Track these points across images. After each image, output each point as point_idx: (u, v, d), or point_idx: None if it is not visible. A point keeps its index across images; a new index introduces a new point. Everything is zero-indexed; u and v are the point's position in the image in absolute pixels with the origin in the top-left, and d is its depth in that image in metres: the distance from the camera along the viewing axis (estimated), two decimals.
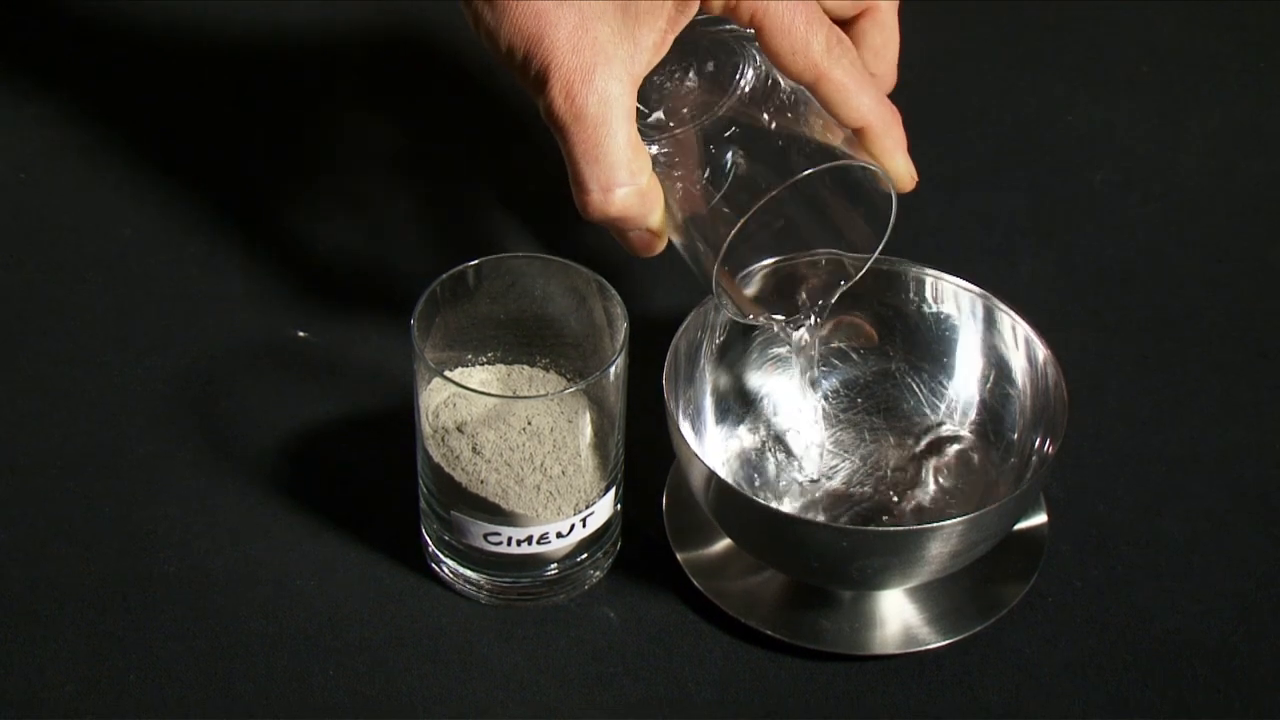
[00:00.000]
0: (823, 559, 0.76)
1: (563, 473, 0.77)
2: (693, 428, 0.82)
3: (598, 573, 0.80)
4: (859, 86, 0.76)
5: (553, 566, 0.79)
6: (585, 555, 0.79)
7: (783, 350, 0.84)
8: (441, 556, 0.80)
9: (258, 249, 0.93)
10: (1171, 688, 0.78)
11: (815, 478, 0.83)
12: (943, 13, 1.07)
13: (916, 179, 0.78)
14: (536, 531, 0.77)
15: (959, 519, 0.75)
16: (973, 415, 0.83)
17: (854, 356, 0.85)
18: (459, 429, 0.77)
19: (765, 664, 0.78)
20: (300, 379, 0.88)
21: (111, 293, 0.92)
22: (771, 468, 0.84)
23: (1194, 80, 1.06)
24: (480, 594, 0.79)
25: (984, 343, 0.83)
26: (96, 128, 0.99)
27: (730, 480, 0.80)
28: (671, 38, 0.75)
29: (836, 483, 0.84)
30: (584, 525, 0.78)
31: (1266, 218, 0.98)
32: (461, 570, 0.79)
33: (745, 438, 0.84)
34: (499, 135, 1.00)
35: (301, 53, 1.04)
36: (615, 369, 0.76)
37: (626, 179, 0.74)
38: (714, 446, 0.83)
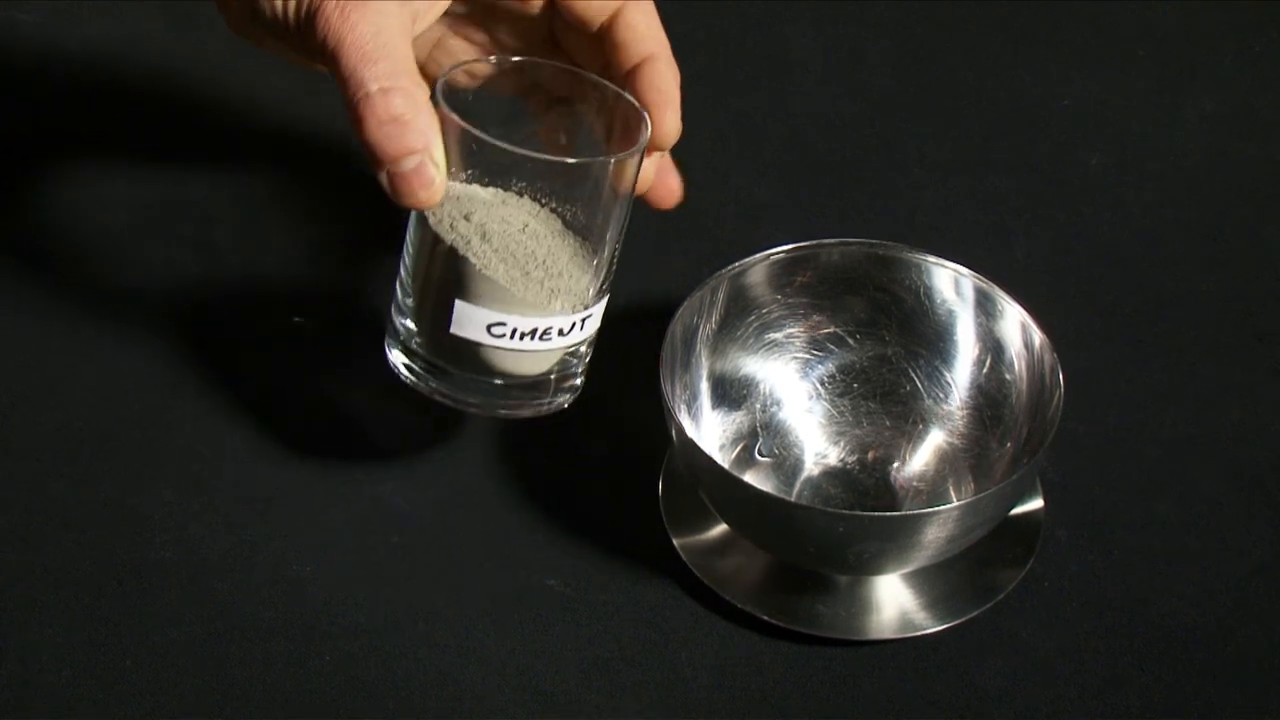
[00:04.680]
0: (819, 544, 0.76)
1: (560, 273, 0.75)
2: (689, 412, 0.82)
3: (566, 397, 0.79)
4: (651, 9, 0.75)
5: (521, 374, 0.77)
6: (558, 371, 0.78)
7: (779, 335, 0.84)
8: (415, 366, 0.77)
9: (253, 234, 0.93)
10: (1168, 671, 0.78)
11: (810, 462, 0.83)
12: None
13: (679, 134, 0.76)
14: (541, 324, 0.75)
15: (955, 504, 0.75)
16: (969, 400, 0.83)
17: (850, 341, 0.85)
18: (466, 218, 0.74)
19: (761, 648, 0.78)
20: (296, 364, 0.88)
21: (106, 277, 0.92)
22: (768, 452, 0.84)
23: (1190, 63, 1.06)
24: (453, 397, 0.77)
25: (980, 327, 0.83)
26: (91, 114, 0.99)
27: (726, 465, 0.80)
28: None
29: (832, 467, 0.84)
30: (581, 328, 0.76)
31: (1262, 200, 0.98)
32: (436, 370, 0.77)
33: (742, 422, 0.84)
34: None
35: None
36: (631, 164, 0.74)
37: (408, 81, 0.71)
38: (710, 431, 0.83)
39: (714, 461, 0.76)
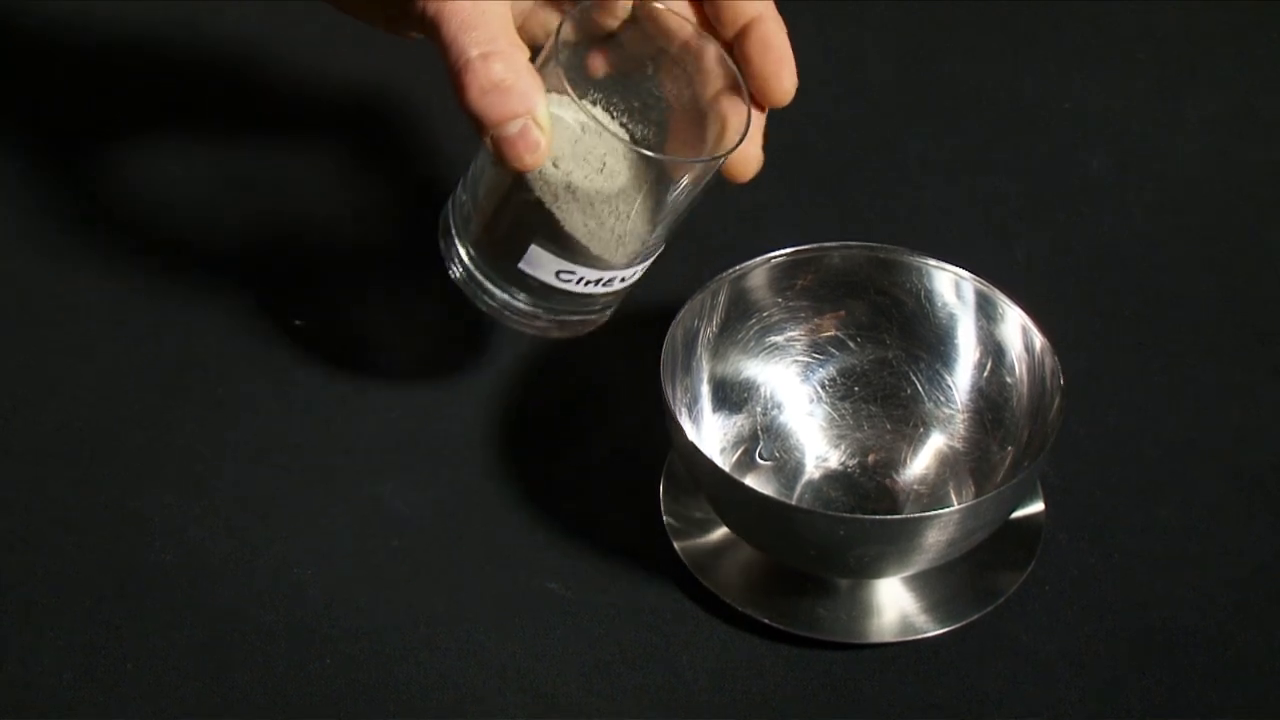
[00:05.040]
0: (820, 547, 0.76)
1: (632, 230, 0.76)
2: (690, 415, 0.82)
3: (606, 317, 0.80)
4: None
5: (578, 306, 0.79)
6: (597, 308, 0.79)
7: (779, 339, 0.84)
8: (466, 275, 0.78)
9: (254, 237, 0.93)
10: (1168, 675, 0.78)
11: (811, 466, 0.83)
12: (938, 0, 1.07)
13: (793, 94, 0.76)
14: (607, 275, 0.77)
15: (956, 507, 0.75)
16: (970, 403, 0.83)
17: (851, 345, 0.85)
18: (555, 164, 0.74)
19: (762, 652, 0.78)
20: (297, 367, 0.88)
21: (107, 280, 0.92)
22: (768, 456, 0.84)
23: (1190, 65, 1.05)
24: (502, 311, 0.78)
25: (981, 330, 0.83)
26: (92, 115, 0.99)
27: (727, 468, 0.80)
28: None
29: (833, 471, 0.84)
30: (640, 272, 0.78)
31: (1264, 203, 0.98)
32: (496, 292, 0.78)
33: (742, 425, 0.84)
34: None
35: (301, 44, 1.03)
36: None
37: (508, 47, 0.71)
38: (711, 434, 0.83)
39: (715, 465, 0.76)
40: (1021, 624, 0.79)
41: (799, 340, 0.84)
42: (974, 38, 1.07)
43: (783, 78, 0.76)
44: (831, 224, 0.95)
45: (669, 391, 0.79)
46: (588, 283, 0.77)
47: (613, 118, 0.78)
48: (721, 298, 0.82)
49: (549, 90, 0.72)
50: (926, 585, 0.80)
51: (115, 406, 0.86)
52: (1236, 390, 0.89)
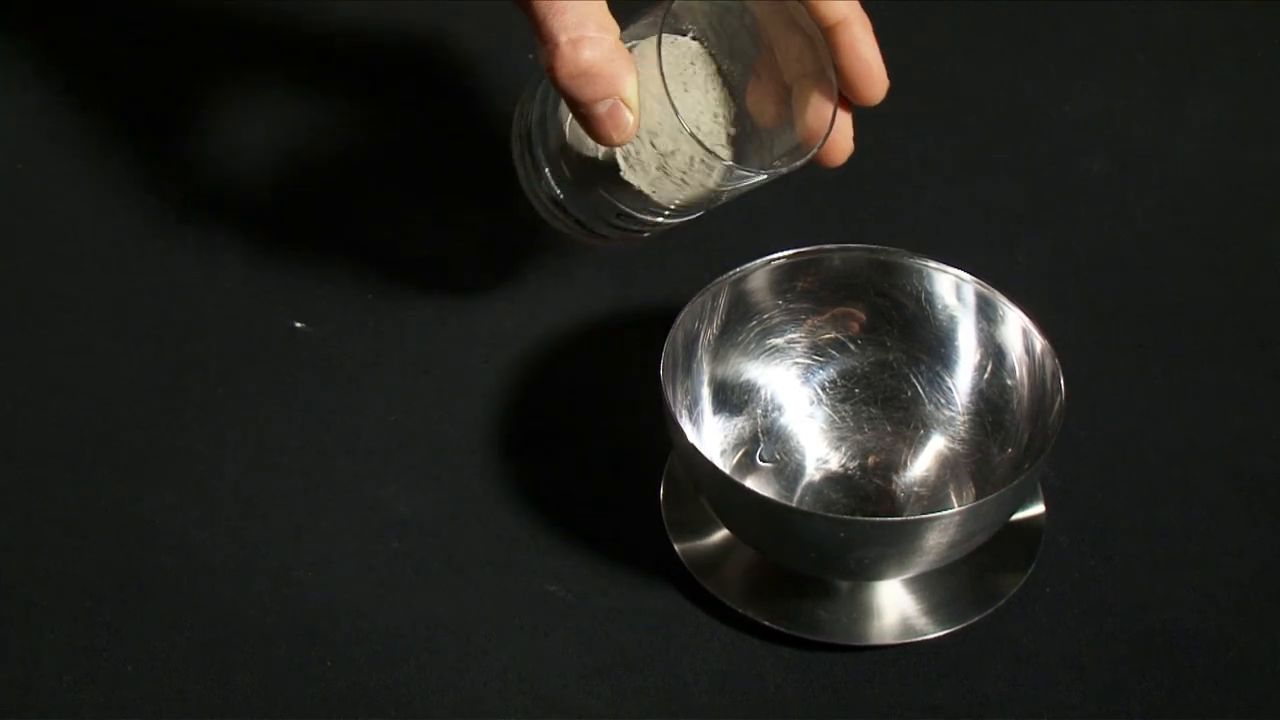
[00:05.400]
0: (820, 549, 0.76)
1: (697, 184, 0.76)
2: (690, 418, 0.82)
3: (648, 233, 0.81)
4: None
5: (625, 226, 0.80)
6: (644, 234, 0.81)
7: (780, 340, 0.84)
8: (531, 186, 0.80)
9: (255, 239, 0.93)
10: (1169, 678, 0.78)
11: (811, 468, 0.83)
12: (938, 0, 1.07)
13: (886, 83, 0.77)
14: (665, 224, 0.78)
15: (956, 510, 0.75)
16: (970, 405, 0.83)
17: (851, 347, 0.85)
18: (652, 144, 0.75)
19: (762, 654, 0.78)
20: (297, 368, 0.88)
21: (108, 282, 0.92)
22: (769, 458, 0.84)
23: (1191, 68, 1.05)
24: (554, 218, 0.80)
25: (981, 332, 0.83)
26: (94, 117, 0.99)
27: (727, 471, 0.80)
28: None
29: (833, 473, 0.84)
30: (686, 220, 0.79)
31: (1264, 206, 0.98)
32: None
33: (743, 428, 0.84)
34: (500, 126, 1.00)
35: (303, 45, 1.03)
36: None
37: (595, 31, 0.72)
38: (711, 437, 0.83)
39: (715, 467, 0.76)
40: (1022, 626, 0.79)
41: (799, 342, 0.84)
42: (974, 39, 1.07)
43: (869, 84, 0.76)
44: (832, 226, 0.95)
45: (669, 394, 0.79)
46: (645, 223, 0.78)
47: (703, 45, 0.77)
48: (722, 300, 0.82)
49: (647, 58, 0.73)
50: (927, 587, 0.80)
51: (116, 408, 0.86)
52: (1237, 392, 0.89)
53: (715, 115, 0.77)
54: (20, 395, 0.87)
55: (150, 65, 1.02)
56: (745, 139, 0.77)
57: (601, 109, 0.73)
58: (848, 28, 0.76)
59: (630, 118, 0.73)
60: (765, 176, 0.75)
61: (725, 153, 0.76)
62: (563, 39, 0.72)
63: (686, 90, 0.76)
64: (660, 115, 0.74)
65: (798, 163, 0.75)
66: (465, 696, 0.77)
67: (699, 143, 0.73)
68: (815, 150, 0.75)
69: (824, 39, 0.76)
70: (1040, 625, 0.79)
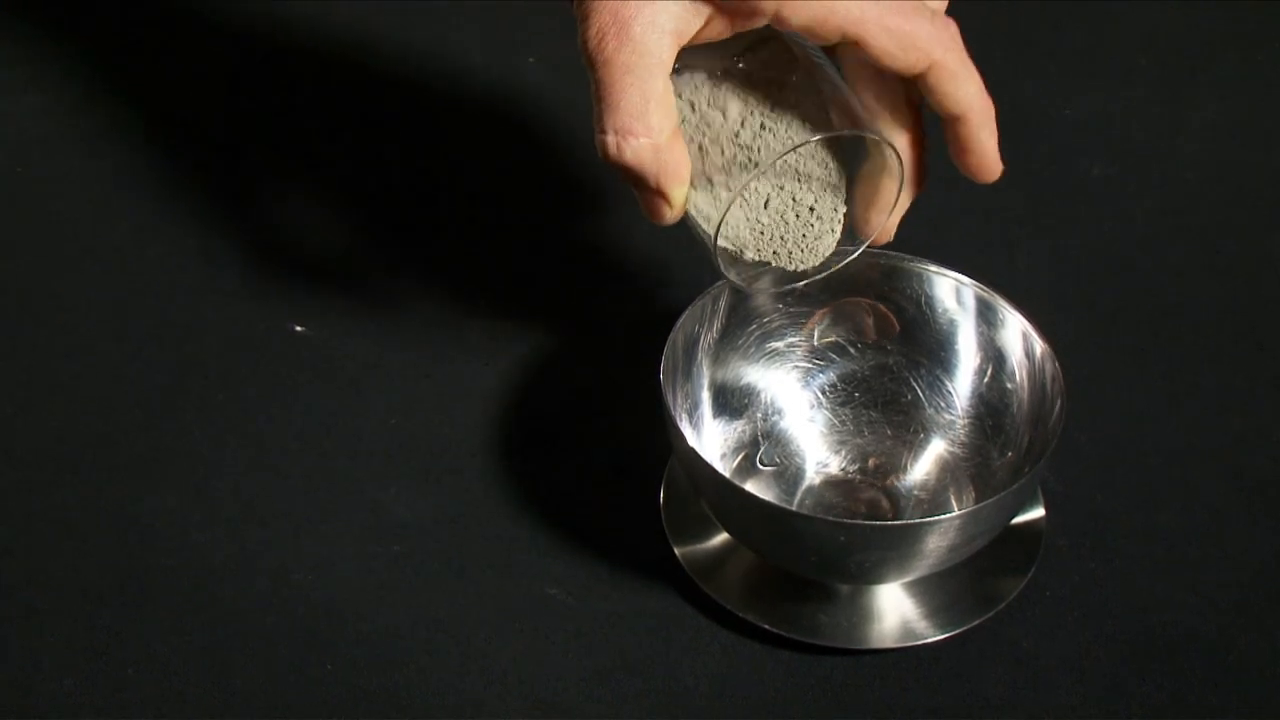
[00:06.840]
0: (820, 553, 0.76)
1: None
2: (690, 421, 0.82)
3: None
4: (967, 72, 0.75)
5: None
6: None
7: (780, 344, 0.84)
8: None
9: (255, 242, 0.93)
10: (1169, 680, 0.78)
11: (812, 471, 0.83)
12: None
13: (1001, 171, 0.77)
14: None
15: (957, 513, 0.75)
16: (970, 409, 0.83)
17: (852, 351, 0.85)
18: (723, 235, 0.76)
19: (763, 658, 0.78)
20: (298, 371, 0.88)
21: (109, 284, 0.92)
22: (769, 461, 0.84)
23: (1191, 71, 1.06)
24: None
25: (981, 336, 0.83)
26: (94, 120, 0.99)
27: (728, 474, 0.80)
28: (728, 24, 0.73)
29: (834, 476, 0.84)
30: None
31: (1264, 209, 0.98)
32: None
33: (743, 431, 0.84)
34: (500, 129, 1.00)
35: (301, 46, 1.04)
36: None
37: (642, 130, 0.72)
38: (711, 440, 0.83)
39: (715, 470, 0.76)
40: (1022, 629, 0.79)
41: (799, 346, 0.84)
42: (974, 42, 1.06)
43: (984, 174, 0.76)
44: None
45: (670, 397, 0.79)
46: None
47: (746, 101, 0.76)
48: (722, 303, 0.82)
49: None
50: (927, 591, 0.80)
51: (116, 409, 0.86)
52: (1237, 395, 0.89)
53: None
54: (20, 396, 0.87)
55: (150, 65, 1.03)
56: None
57: (642, 194, 0.74)
58: (964, 125, 0.76)
59: (670, 211, 0.74)
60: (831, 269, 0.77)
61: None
62: (609, 137, 0.72)
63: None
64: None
65: (848, 260, 0.77)
66: (465, 699, 0.77)
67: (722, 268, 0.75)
68: (866, 244, 0.77)
69: (901, 169, 0.76)
70: (1040, 628, 0.79)
